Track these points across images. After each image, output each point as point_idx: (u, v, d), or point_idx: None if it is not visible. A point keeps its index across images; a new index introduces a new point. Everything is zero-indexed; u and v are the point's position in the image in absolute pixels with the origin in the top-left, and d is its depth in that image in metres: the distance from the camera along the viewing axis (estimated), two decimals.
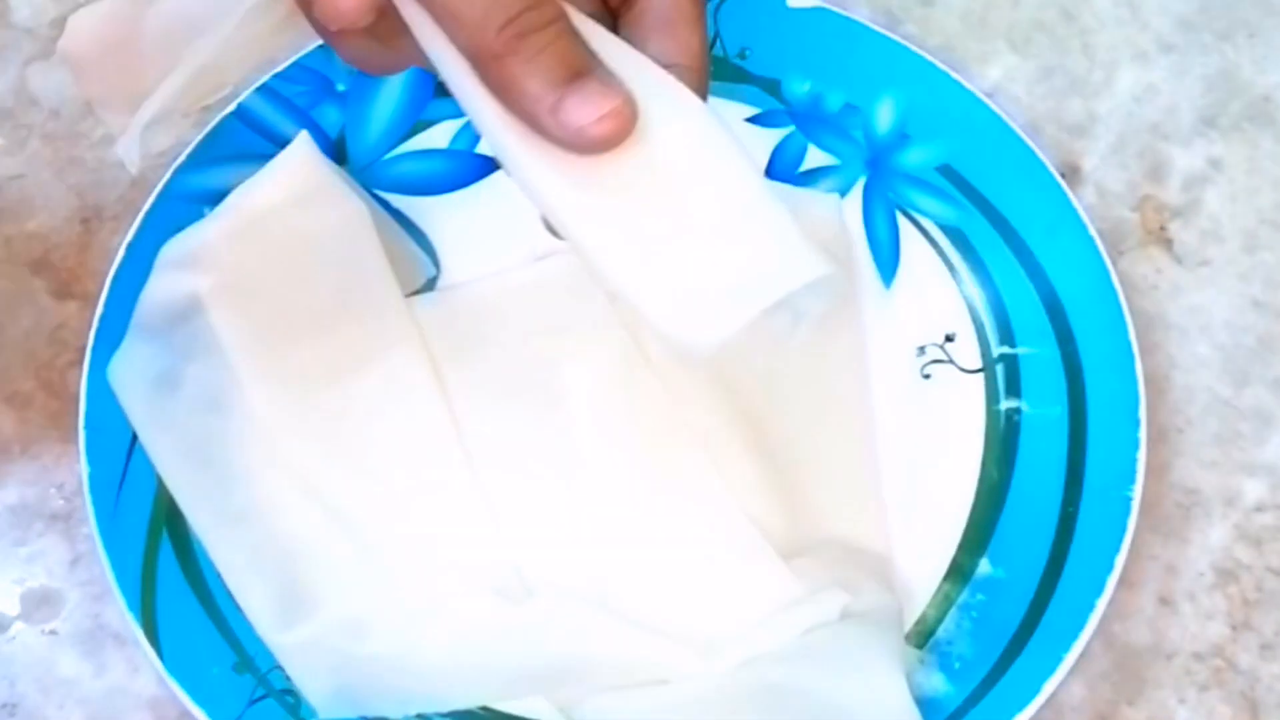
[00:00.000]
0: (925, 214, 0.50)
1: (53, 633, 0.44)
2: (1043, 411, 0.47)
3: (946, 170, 0.50)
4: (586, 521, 0.44)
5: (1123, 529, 0.43)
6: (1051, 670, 0.42)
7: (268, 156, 0.48)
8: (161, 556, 0.43)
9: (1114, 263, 0.47)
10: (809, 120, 0.51)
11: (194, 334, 0.45)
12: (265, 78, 0.50)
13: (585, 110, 0.31)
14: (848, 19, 0.51)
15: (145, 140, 0.34)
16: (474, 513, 0.45)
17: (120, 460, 0.44)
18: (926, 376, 0.48)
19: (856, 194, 0.51)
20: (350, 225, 0.47)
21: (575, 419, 0.46)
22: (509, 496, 0.45)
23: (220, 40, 0.32)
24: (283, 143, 0.49)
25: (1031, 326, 0.48)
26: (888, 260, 0.50)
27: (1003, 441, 0.47)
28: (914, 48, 0.51)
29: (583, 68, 0.31)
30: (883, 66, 0.51)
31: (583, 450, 0.45)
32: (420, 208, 0.50)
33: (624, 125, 0.31)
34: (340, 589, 0.42)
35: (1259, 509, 0.47)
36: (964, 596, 0.44)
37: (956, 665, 0.43)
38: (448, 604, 0.42)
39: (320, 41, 0.50)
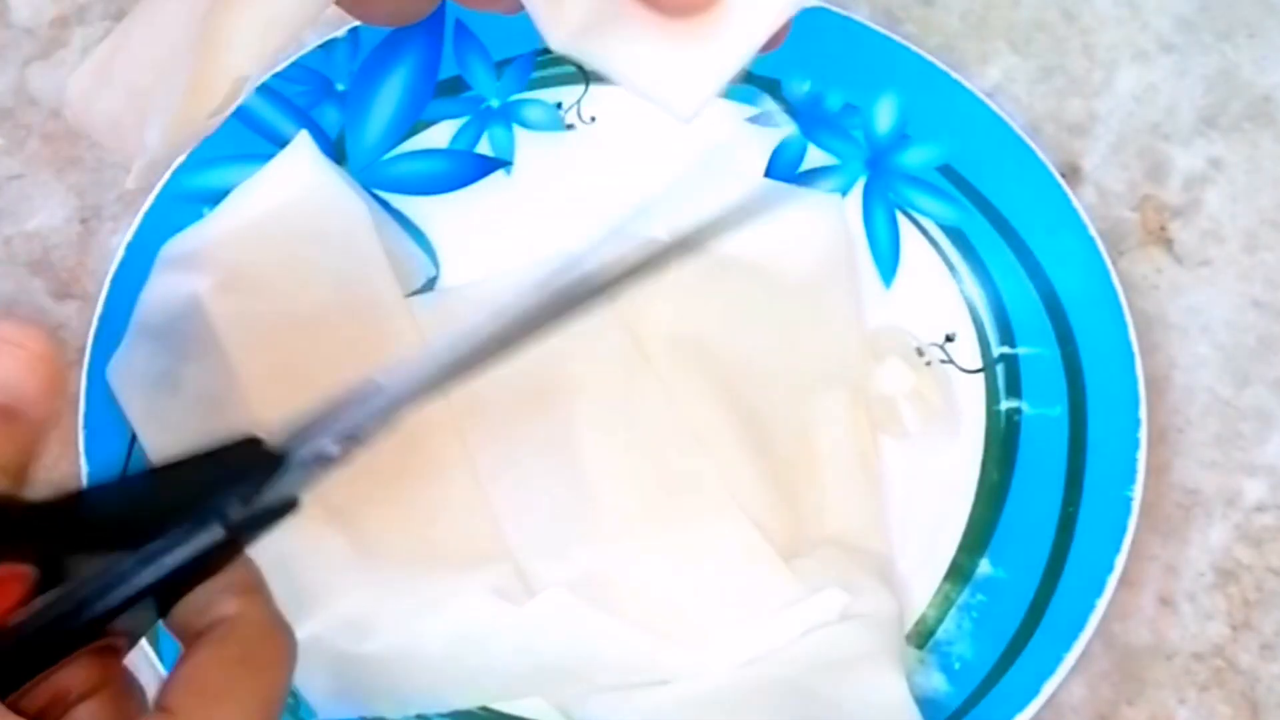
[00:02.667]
0: (925, 214, 0.50)
1: None
2: (1043, 411, 0.47)
3: (946, 170, 0.50)
4: (587, 522, 0.44)
5: (1123, 529, 0.43)
6: (1051, 670, 0.42)
7: (268, 156, 0.48)
8: None
9: (1114, 263, 0.47)
10: (809, 120, 0.51)
11: (194, 334, 0.45)
12: (265, 78, 0.50)
13: None
14: (848, 19, 0.51)
15: (152, 170, 0.33)
16: (474, 513, 0.45)
17: (120, 461, 0.44)
18: None
19: (856, 194, 0.51)
20: (350, 225, 0.47)
21: (576, 419, 0.45)
22: (510, 496, 0.45)
23: (204, 42, 0.31)
24: (283, 143, 0.49)
25: (1031, 326, 0.48)
26: (888, 260, 0.50)
27: (1003, 441, 0.47)
28: (914, 48, 0.51)
29: None
30: (883, 66, 0.51)
31: (583, 450, 0.45)
32: (420, 208, 0.50)
33: None
34: (340, 589, 0.42)
35: (1259, 509, 0.47)
36: (964, 596, 0.44)
37: (956, 665, 0.43)
38: (448, 604, 0.42)
39: (320, 42, 0.51)
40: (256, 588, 0.29)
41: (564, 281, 0.30)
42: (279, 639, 0.29)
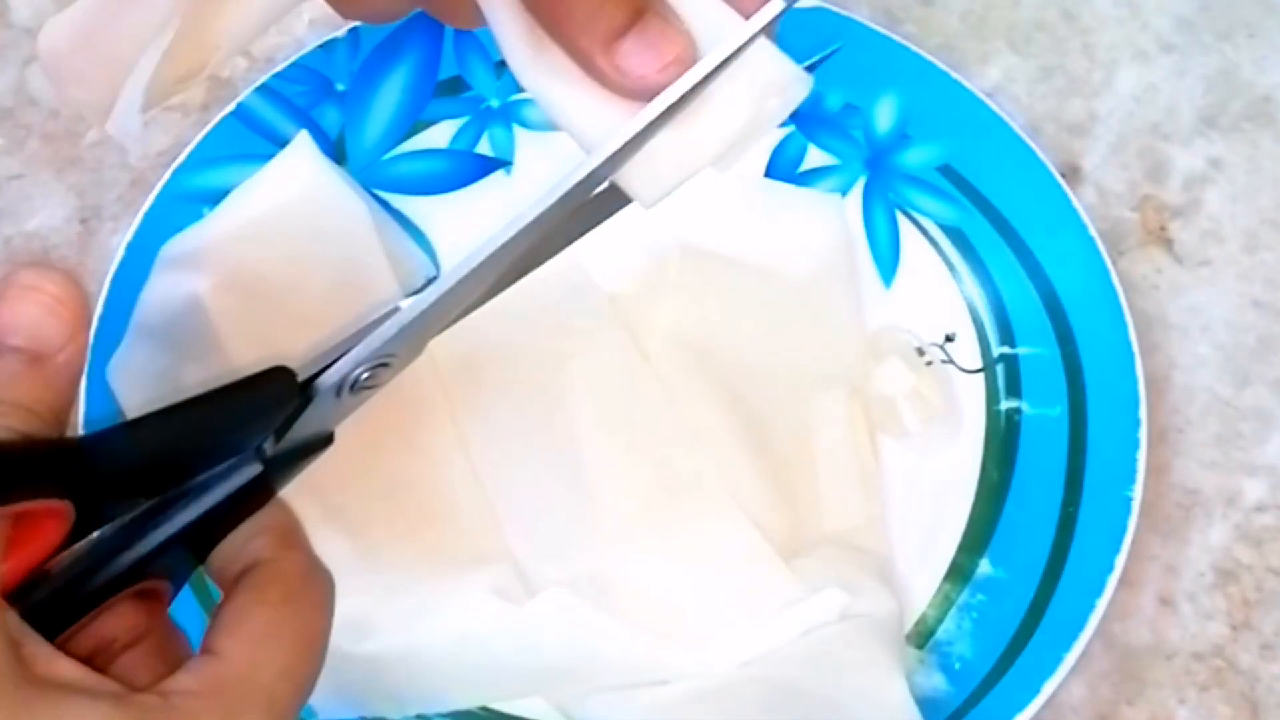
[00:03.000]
0: (925, 214, 0.50)
1: None
2: (1043, 411, 0.47)
3: (946, 170, 0.50)
4: (587, 522, 0.44)
5: (1123, 529, 0.43)
6: (1051, 670, 0.42)
7: (268, 156, 0.48)
8: None
9: (1114, 263, 0.47)
10: (809, 120, 0.51)
11: (194, 334, 0.45)
12: (265, 78, 0.50)
13: (646, 58, 0.28)
14: (848, 19, 0.51)
15: (139, 114, 0.33)
16: (474, 513, 0.45)
17: None
18: None
19: (856, 194, 0.51)
20: (350, 225, 0.47)
21: (576, 419, 0.45)
22: (510, 496, 0.45)
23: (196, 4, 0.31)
24: (283, 143, 0.49)
25: (1031, 326, 0.48)
26: (888, 260, 0.50)
27: (1003, 441, 0.47)
28: (914, 48, 0.51)
29: (642, 5, 0.28)
30: (883, 66, 0.51)
31: (583, 450, 0.45)
32: (420, 208, 0.50)
33: (683, 71, 0.28)
34: (340, 590, 0.42)
35: (1259, 509, 0.47)
36: (964, 596, 0.44)
37: (956, 665, 0.43)
38: (448, 604, 0.42)
39: (320, 42, 0.51)
40: (293, 530, 0.30)
41: (577, 187, 0.29)
42: (319, 581, 0.29)
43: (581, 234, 0.33)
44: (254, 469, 0.28)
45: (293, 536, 0.29)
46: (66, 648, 0.26)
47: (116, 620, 0.28)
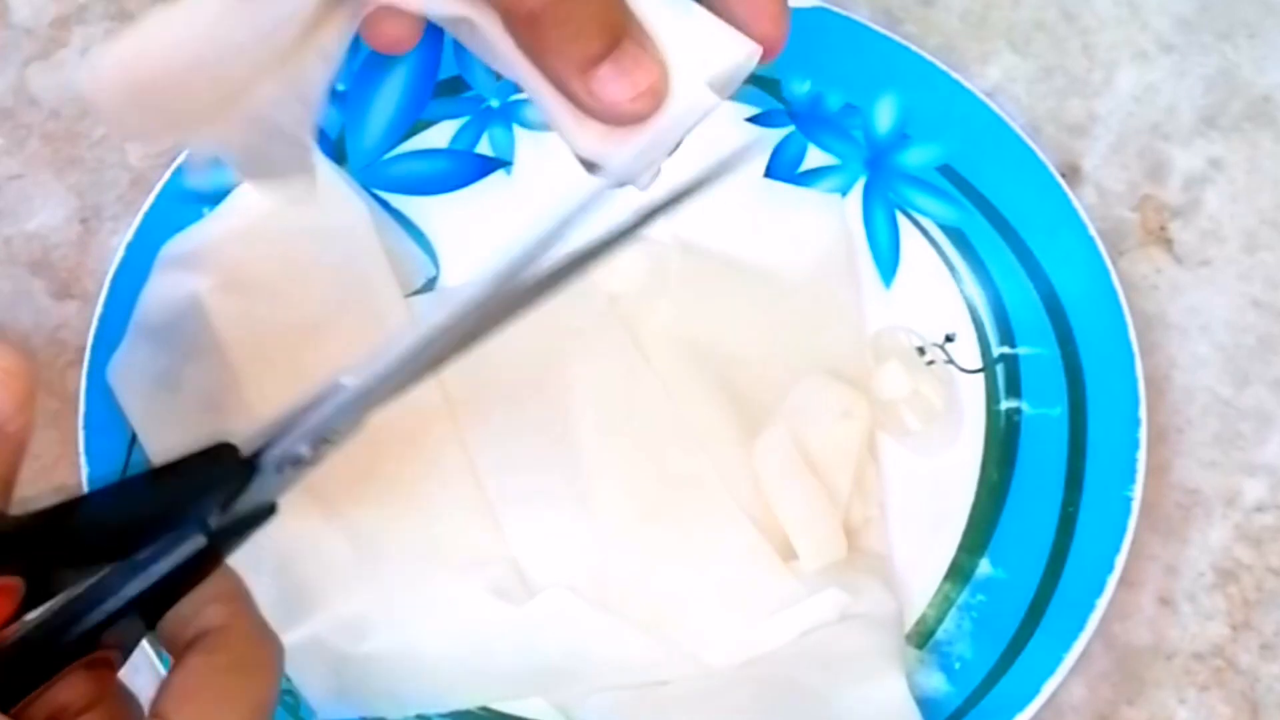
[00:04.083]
0: (925, 214, 0.50)
1: None
2: (1043, 411, 0.47)
3: (946, 170, 0.50)
4: (587, 521, 0.44)
5: (1123, 529, 0.43)
6: (1051, 670, 0.42)
7: None
8: None
9: (1114, 263, 0.47)
10: (809, 120, 0.51)
11: (194, 334, 0.45)
12: None
13: (621, 85, 0.29)
14: (848, 19, 0.51)
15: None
16: (474, 512, 0.45)
17: (120, 460, 0.44)
18: None
19: (856, 194, 0.51)
20: (350, 225, 0.47)
21: (576, 419, 0.46)
22: (509, 496, 0.45)
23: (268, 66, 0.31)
24: None
25: (1031, 326, 0.48)
26: (888, 260, 0.50)
27: (1003, 441, 0.47)
28: (914, 48, 0.51)
29: (619, 32, 0.29)
30: (883, 66, 0.51)
31: (583, 450, 0.45)
32: (420, 208, 0.50)
33: (657, 102, 0.29)
34: (340, 589, 0.42)
35: (1259, 509, 0.47)
36: (964, 596, 0.44)
37: (956, 665, 0.43)
38: (448, 604, 0.42)
39: None
40: (241, 597, 0.30)
41: (522, 270, 0.30)
42: (267, 645, 0.29)
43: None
44: (199, 541, 0.29)
45: (241, 603, 0.30)
46: (21, 717, 0.26)
47: (69, 689, 0.28)
